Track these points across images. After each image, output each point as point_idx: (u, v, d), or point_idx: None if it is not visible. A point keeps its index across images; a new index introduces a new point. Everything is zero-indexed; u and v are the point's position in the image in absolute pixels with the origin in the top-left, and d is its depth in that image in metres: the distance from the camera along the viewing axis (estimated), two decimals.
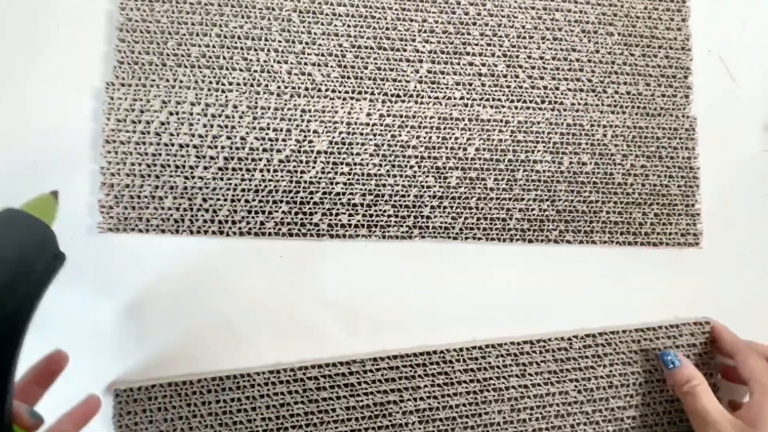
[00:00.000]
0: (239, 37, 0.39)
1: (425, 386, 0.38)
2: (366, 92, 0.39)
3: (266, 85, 0.39)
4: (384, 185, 0.39)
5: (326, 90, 0.39)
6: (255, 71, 0.39)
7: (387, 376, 0.37)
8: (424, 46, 0.40)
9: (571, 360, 0.39)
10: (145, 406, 0.35)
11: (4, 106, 0.38)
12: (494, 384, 0.38)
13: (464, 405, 0.38)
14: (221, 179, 0.38)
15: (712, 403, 0.35)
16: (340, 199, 0.38)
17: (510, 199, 0.40)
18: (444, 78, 0.40)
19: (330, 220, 0.38)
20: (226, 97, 0.38)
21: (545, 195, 0.40)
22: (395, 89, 0.39)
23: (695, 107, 0.42)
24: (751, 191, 0.43)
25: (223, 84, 0.38)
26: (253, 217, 0.38)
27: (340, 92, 0.39)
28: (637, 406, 0.39)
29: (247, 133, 0.38)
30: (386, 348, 0.39)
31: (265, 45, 0.39)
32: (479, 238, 0.39)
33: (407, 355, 0.38)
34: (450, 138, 0.39)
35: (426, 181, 0.39)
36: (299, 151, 0.38)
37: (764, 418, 0.34)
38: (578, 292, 0.40)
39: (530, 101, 0.40)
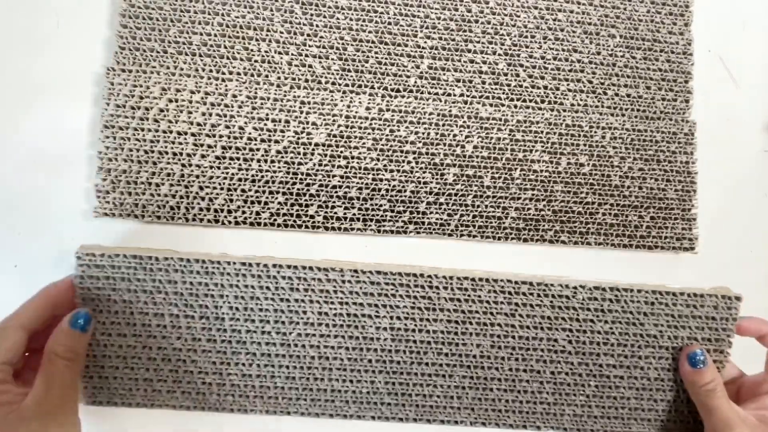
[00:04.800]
0: (241, 27, 0.39)
1: (404, 306, 0.36)
2: (366, 86, 0.39)
3: (266, 76, 0.39)
4: (381, 180, 0.39)
5: (326, 82, 0.39)
6: (255, 61, 0.39)
7: (366, 290, 0.36)
8: (425, 42, 0.40)
9: (570, 309, 0.37)
10: (108, 274, 0.34)
11: (6, 85, 0.38)
12: (479, 318, 0.36)
13: (442, 332, 0.36)
14: (218, 168, 0.38)
15: (730, 404, 0.34)
16: (336, 192, 0.38)
17: (506, 197, 0.40)
18: (444, 74, 0.40)
19: (325, 212, 0.38)
20: (226, 86, 0.38)
21: (542, 195, 0.40)
22: (395, 84, 0.39)
23: (695, 107, 0.42)
24: (750, 192, 0.43)
25: (223, 73, 0.38)
26: (248, 207, 0.38)
27: (340, 85, 0.39)
28: (628, 368, 0.37)
29: (245, 122, 0.38)
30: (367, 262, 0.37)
31: (267, 35, 0.39)
32: (474, 236, 0.39)
33: (391, 273, 0.36)
34: (448, 135, 0.39)
35: (423, 177, 0.39)
36: (297, 143, 0.38)
37: None
38: None
39: (530, 101, 0.40)
